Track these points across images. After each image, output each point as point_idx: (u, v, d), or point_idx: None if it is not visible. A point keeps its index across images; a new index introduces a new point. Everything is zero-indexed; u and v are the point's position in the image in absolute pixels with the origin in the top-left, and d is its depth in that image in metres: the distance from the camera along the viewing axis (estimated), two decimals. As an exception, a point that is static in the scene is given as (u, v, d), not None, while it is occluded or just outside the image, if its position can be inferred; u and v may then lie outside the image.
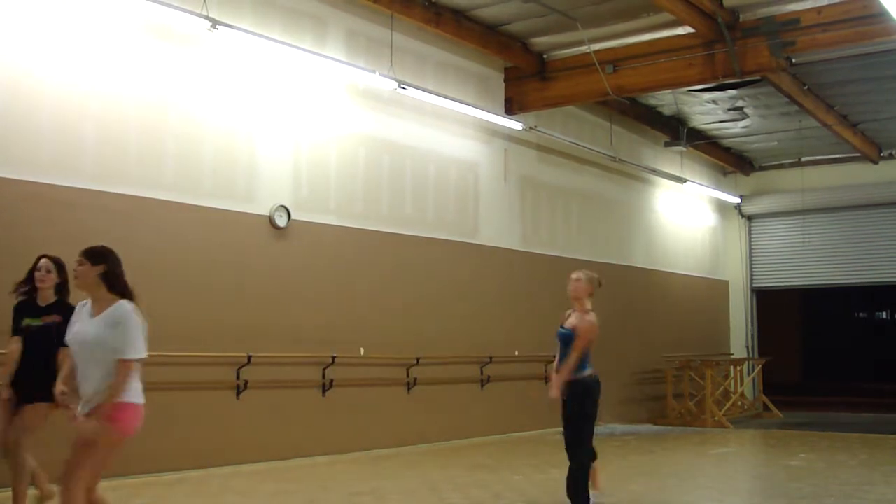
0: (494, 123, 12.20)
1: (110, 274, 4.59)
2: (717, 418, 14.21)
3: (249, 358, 8.83)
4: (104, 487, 7.12)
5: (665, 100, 14.52)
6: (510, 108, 12.48)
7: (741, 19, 10.83)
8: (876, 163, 17.17)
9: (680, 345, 16.31)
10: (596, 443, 6.31)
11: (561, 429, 6.24)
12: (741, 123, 15.71)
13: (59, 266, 5.91)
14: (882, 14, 9.23)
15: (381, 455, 9.82)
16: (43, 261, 5.89)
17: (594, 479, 6.63)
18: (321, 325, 9.72)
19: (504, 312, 12.30)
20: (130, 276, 8.02)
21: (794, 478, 8.42)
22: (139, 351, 4.46)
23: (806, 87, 13.26)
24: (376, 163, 10.65)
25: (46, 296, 5.90)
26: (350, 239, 10.23)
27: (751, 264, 19.00)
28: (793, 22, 10.53)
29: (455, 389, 11.46)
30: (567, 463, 6.10)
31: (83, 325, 4.55)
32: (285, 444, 9.12)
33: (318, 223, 9.89)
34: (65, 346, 4.78)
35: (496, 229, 12.51)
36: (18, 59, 7.47)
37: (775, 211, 18.54)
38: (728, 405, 15.18)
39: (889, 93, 13.73)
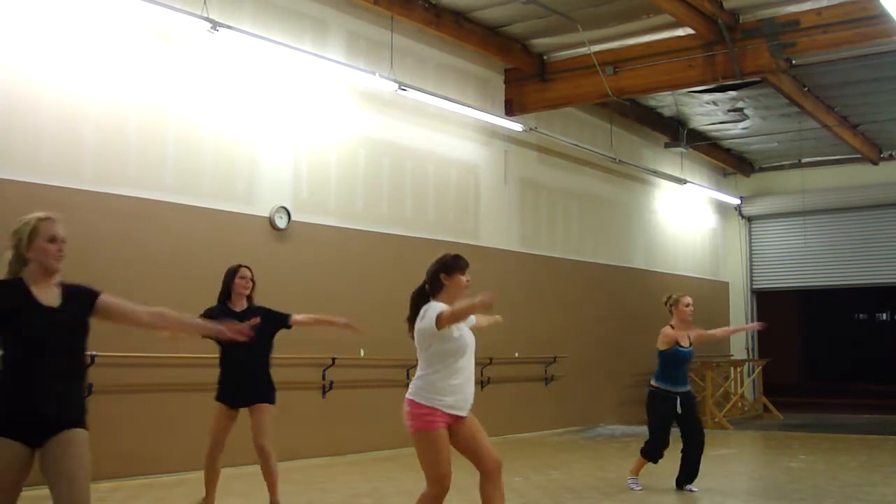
0: (494, 125, 12.20)
1: None
2: (717, 420, 14.20)
3: (249, 359, 8.81)
4: (106, 488, 7.15)
5: (665, 101, 14.52)
6: (510, 110, 12.48)
7: (741, 21, 10.83)
8: (876, 164, 17.17)
9: (680, 346, 16.27)
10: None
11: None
12: (741, 125, 15.71)
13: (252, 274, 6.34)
14: (882, 15, 9.24)
15: (381, 456, 9.81)
16: (247, 271, 6.29)
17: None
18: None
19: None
20: (131, 278, 8.08)
21: (795, 479, 8.41)
22: None
23: (806, 89, 13.27)
24: (376, 164, 10.65)
25: (241, 302, 6.29)
26: (350, 240, 10.22)
27: (751, 266, 19.00)
28: (793, 23, 10.54)
29: (455, 391, 11.43)
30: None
31: (463, 330, 4.70)
32: (285, 446, 9.07)
33: (318, 224, 9.89)
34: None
35: (496, 230, 12.50)
36: (19, 60, 7.48)
37: (775, 212, 18.55)
38: (728, 406, 15.17)
39: (889, 94, 13.73)
